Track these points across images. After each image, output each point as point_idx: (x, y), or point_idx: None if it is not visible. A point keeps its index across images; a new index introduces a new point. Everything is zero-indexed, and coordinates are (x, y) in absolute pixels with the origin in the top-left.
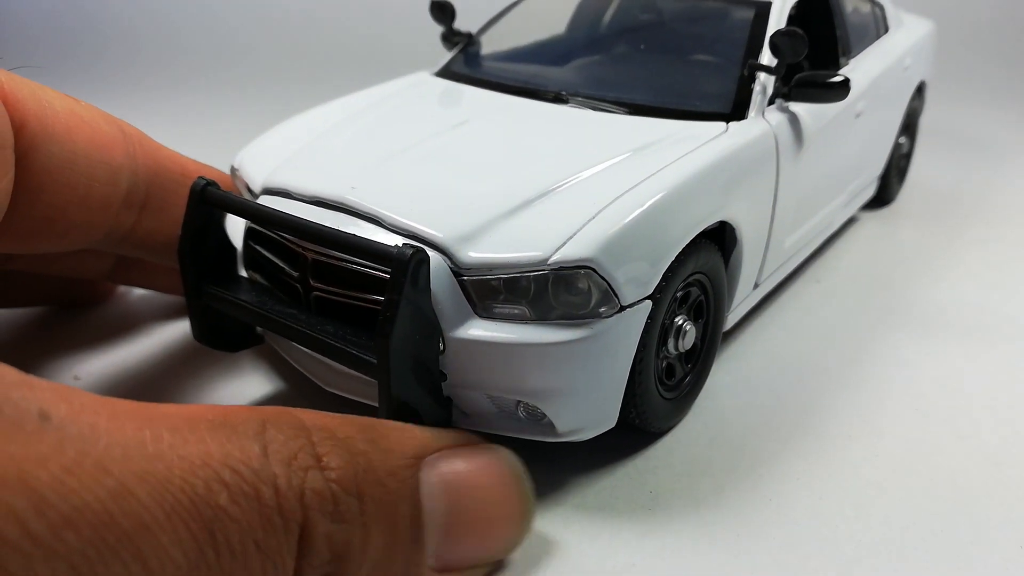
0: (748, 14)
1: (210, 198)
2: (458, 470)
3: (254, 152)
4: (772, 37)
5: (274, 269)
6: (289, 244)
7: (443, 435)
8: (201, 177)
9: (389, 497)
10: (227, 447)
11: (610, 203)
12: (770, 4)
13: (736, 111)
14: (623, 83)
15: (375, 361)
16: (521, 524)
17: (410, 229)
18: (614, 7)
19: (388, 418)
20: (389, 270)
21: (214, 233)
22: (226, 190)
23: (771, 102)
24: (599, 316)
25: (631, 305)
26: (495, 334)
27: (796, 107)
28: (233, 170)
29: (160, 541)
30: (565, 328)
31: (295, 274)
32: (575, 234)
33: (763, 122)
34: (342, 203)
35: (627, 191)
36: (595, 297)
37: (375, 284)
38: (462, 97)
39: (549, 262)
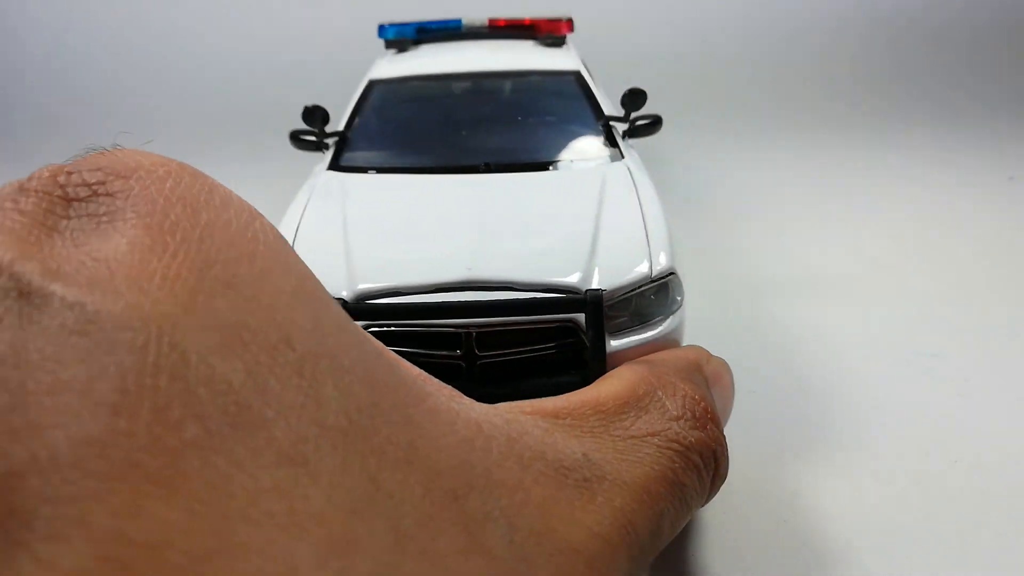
0: (567, 80)
1: (366, 311)
2: (715, 368)
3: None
4: (623, 95)
5: (424, 357)
6: (443, 329)
7: (698, 349)
8: (356, 301)
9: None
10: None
11: (647, 226)
12: (579, 72)
13: (616, 154)
14: (518, 149)
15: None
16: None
17: (543, 283)
18: (446, 92)
19: None
20: (563, 317)
21: None
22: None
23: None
24: (678, 307)
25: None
26: (623, 342)
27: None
28: None
29: None
30: (661, 323)
31: (456, 352)
32: (651, 254)
33: (632, 153)
34: (469, 282)
35: (647, 215)
36: (676, 295)
37: (537, 336)
38: (412, 183)
39: (652, 277)
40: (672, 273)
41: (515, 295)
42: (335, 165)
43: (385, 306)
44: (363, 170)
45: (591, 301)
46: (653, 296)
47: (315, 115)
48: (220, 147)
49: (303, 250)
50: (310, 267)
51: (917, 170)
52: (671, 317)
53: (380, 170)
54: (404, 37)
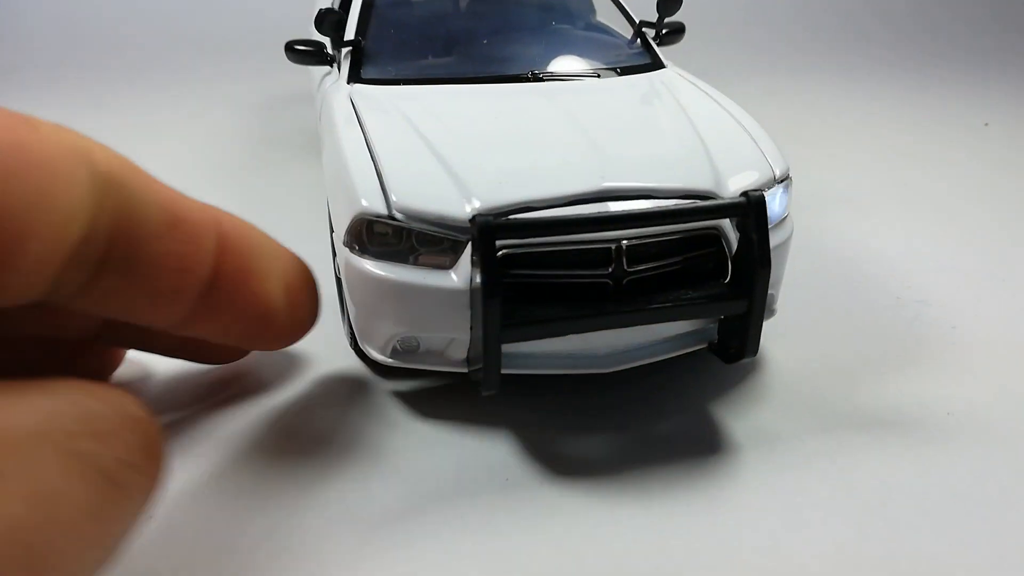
0: None
1: (502, 228)
2: None
3: (410, 189)
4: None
5: (561, 279)
6: (591, 246)
7: None
8: (480, 213)
9: None
10: None
11: (746, 128)
12: None
13: (656, 61)
14: (557, 57)
15: (736, 299)
16: None
17: (682, 190)
18: None
19: (755, 345)
20: (708, 224)
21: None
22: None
23: None
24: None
25: None
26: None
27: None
28: (394, 212)
29: None
30: (787, 223)
31: (607, 270)
32: (767, 158)
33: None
34: (606, 192)
35: (737, 117)
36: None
37: (681, 246)
38: (463, 93)
39: (777, 177)
40: (788, 177)
41: (654, 203)
42: (356, 78)
43: (536, 220)
44: (395, 82)
45: (754, 203)
46: (780, 196)
47: (330, 20)
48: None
49: (395, 172)
50: (416, 188)
51: (894, 112)
52: (788, 216)
53: (413, 81)
54: None
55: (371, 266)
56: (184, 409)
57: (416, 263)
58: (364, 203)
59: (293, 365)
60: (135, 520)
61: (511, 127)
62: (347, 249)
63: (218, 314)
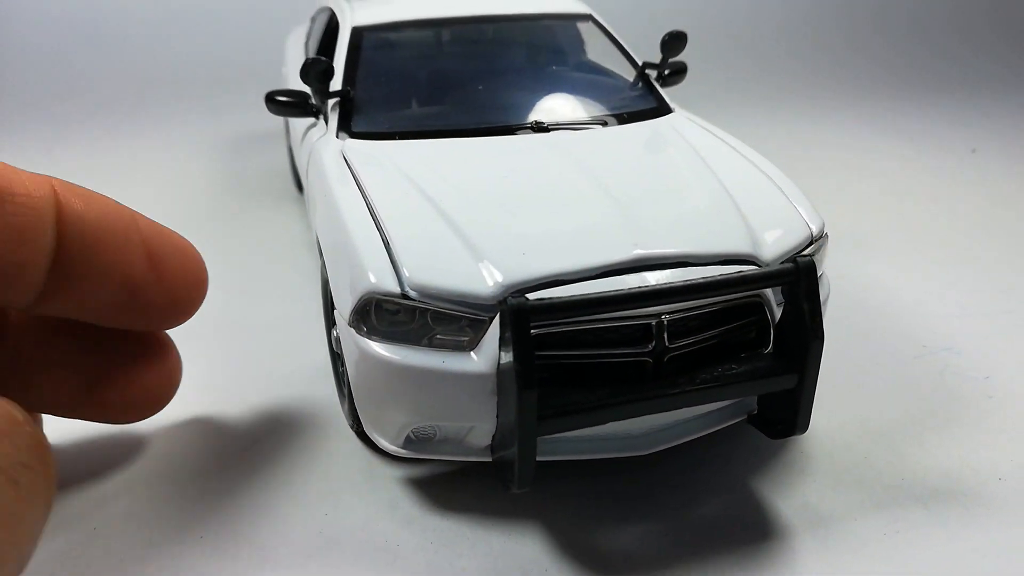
0: (584, 25)
1: (538, 311)
2: None
3: (424, 262)
4: (663, 39)
5: (595, 359)
6: (631, 323)
7: None
8: (514, 296)
9: None
10: None
11: (774, 181)
12: (591, 14)
13: (663, 105)
14: (560, 105)
15: (786, 373)
16: None
17: (721, 255)
18: (449, 39)
19: (806, 421)
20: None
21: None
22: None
23: None
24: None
25: None
26: None
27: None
28: (408, 290)
29: None
30: (823, 279)
31: (648, 347)
32: (802, 214)
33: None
34: (641, 260)
35: (763, 169)
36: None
37: (722, 317)
38: (465, 148)
39: (814, 236)
40: (826, 235)
41: (694, 272)
42: (347, 132)
43: (576, 300)
44: (389, 136)
45: (804, 269)
46: (818, 255)
47: (316, 70)
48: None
49: (405, 243)
50: (430, 262)
51: (881, 141)
52: (824, 274)
53: (409, 135)
54: None
55: (381, 349)
56: (172, 503)
57: (432, 344)
58: (373, 280)
59: (285, 448)
60: (40, 526)
61: (523, 186)
62: (352, 330)
63: (74, 284)
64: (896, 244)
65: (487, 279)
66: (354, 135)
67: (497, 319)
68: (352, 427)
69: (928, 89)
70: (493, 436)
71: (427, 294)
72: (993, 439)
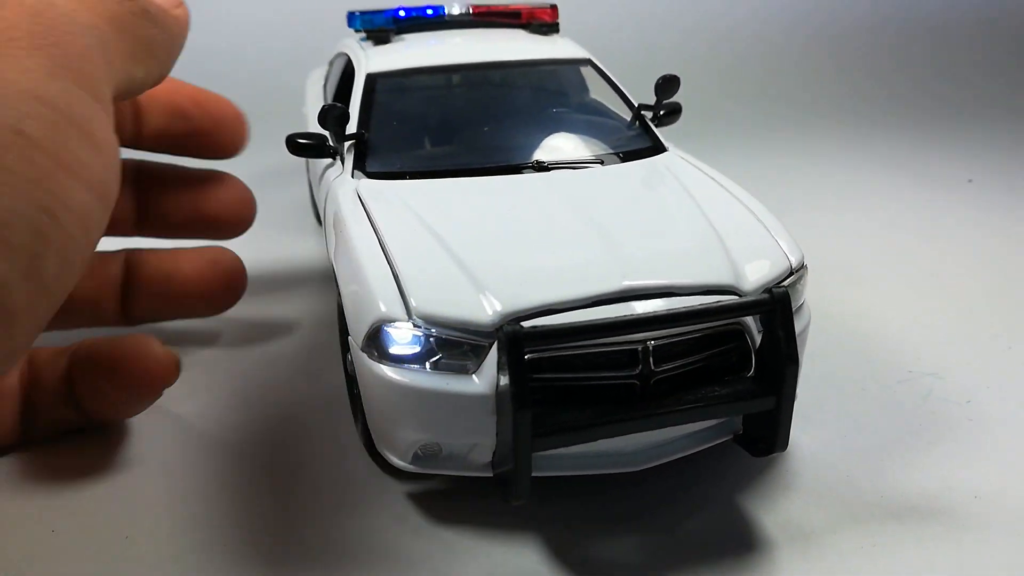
0: (583, 69)
1: (531, 337)
2: None
3: (429, 293)
4: (657, 82)
5: (586, 381)
6: (618, 348)
7: None
8: (508, 324)
9: None
10: None
11: (757, 216)
12: (590, 59)
13: (657, 144)
14: (560, 145)
15: (764, 395)
16: None
17: (703, 286)
18: (457, 85)
19: (785, 439)
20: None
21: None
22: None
23: None
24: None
25: None
26: None
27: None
28: (414, 319)
29: None
30: (802, 311)
31: (635, 371)
32: (782, 247)
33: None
34: (627, 291)
35: (747, 205)
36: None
37: (712, 341)
38: (469, 187)
39: (793, 268)
40: (804, 267)
41: (678, 302)
42: (362, 172)
43: (566, 327)
44: (400, 176)
45: (779, 299)
46: (797, 286)
47: (333, 115)
48: None
49: (412, 276)
50: (435, 293)
51: (876, 171)
52: (804, 304)
53: (419, 175)
54: (381, 27)
55: (390, 372)
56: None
57: (437, 368)
58: (383, 309)
59: (300, 465)
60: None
61: (522, 223)
62: (364, 355)
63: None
64: (887, 275)
65: (487, 308)
66: (368, 175)
67: (496, 345)
68: (365, 445)
69: (924, 120)
70: (493, 453)
71: (432, 322)
72: (971, 461)
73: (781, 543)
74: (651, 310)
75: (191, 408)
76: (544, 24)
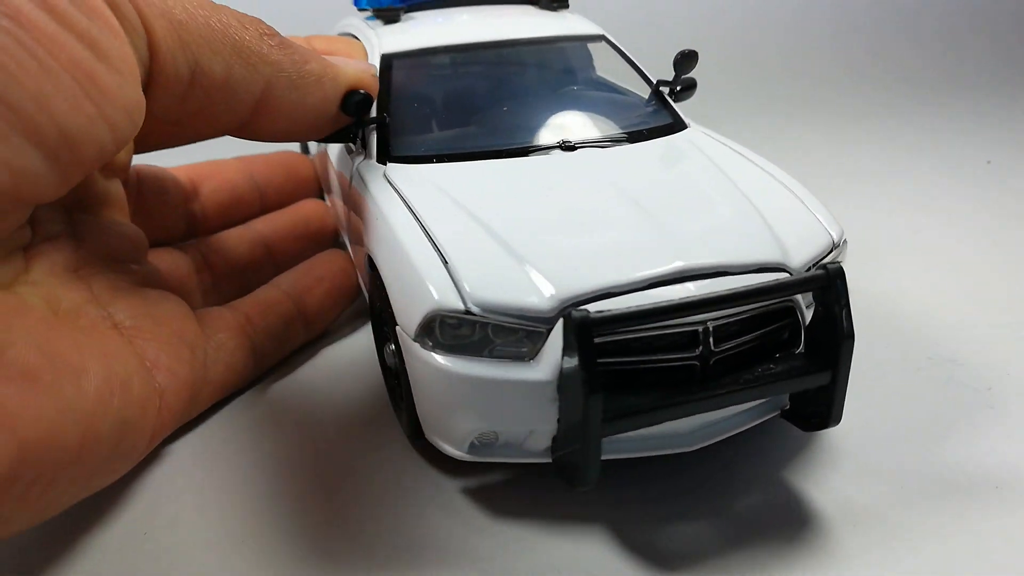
0: (599, 45)
1: (601, 323)
2: None
3: (483, 280)
4: (676, 56)
5: (649, 364)
6: (679, 330)
7: None
8: (577, 309)
9: None
10: None
11: (792, 191)
12: (604, 35)
13: (678, 120)
14: (582, 123)
15: (820, 371)
16: None
17: (755, 264)
18: (473, 63)
19: (839, 414)
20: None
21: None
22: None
23: None
24: None
25: None
26: None
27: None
28: (471, 307)
29: None
30: None
31: (695, 351)
32: (822, 222)
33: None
34: (684, 272)
35: (781, 180)
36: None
37: (766, 319)
38: (501, 169)
39: (836, 242)
40: (845, 240)
41: (735, 281)
42: (387, 157)
43: (634, 312)
44: (427, 159)
45: (834, 275)
46: (839, 260)
47: (354, 101)
48: None
49: (463, 262)
50: (488, 279)
51: (897, 153)
52: None
53: (447, 158)
54: (389, 6)
55: (447, 362)
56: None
57: (493, 355)
58: (437, 298)
59: (349, 463)
60: None
61: (561, 203)
62: (417, 345)
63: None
64: (906, 257)
65: (543, 293)
66: (394, 159)
67: (555, 330)
68: (409, 436)
69: (943, 101)
70: (553, 438)
71: (488, 309)
72: (991, 447)
73: (836, 522)
74: (708, 291)
75: (231, 412)
76: (553, 1)
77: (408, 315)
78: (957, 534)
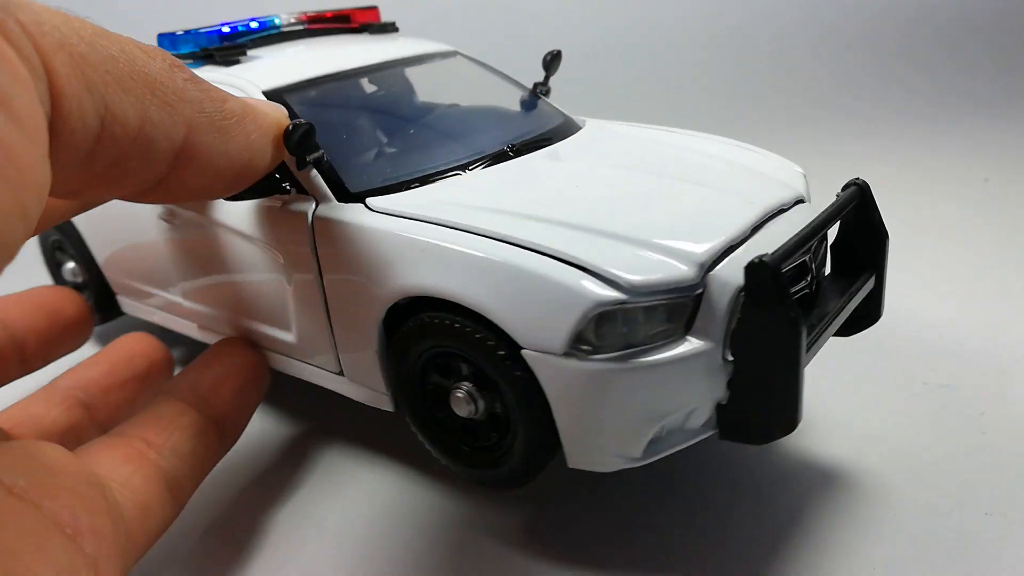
0: (460, 60)
1: (784, 257)
2: None
3: (623, 264)
4: (545, 57)
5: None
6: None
7: None
8: (755, 257)
9: None
10: None
11: (755, 153)
12: (457, 50)
13: (569, 117)
14: (507, 129)
15: (868, 276)
16: None
17: (793, 198)
18: (362, 90)
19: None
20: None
21: None
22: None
23: None
24: None
25: None
26: None
27: None
28: (629, 294)
29: None
30: None
31: (808, 279)
32: (784, 159)
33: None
34: (766, 213)
35: (725, 141)
36: None
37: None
38: (485, 178)
39: (803, 173)
40: None
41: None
42: (345, 193)
43: (798, 241)
44: (404, 186)
45: (864, 188)
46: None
47: (298, 135)
48: None
49: (581, 253)
50: (626, 263)
51: (894, 170)
52: None
53: (427, 180)
54: (216, 45)
55: (616, 366)
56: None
57: (650, 342)
58: (592, 293)
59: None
60: None
61: (596, 190)
62: (568, 360)
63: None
64: (902, 276)
65: (681, 263)
66: (368, 193)
67: (703, 295)
68: (455, 468)
69: (940, 118)
70: (719, 405)
71: (643, 291)
72: (981, 476)
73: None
74: (795, 225)
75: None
76: (382, 26)
77: (547, 328)
78: (949, 563)
